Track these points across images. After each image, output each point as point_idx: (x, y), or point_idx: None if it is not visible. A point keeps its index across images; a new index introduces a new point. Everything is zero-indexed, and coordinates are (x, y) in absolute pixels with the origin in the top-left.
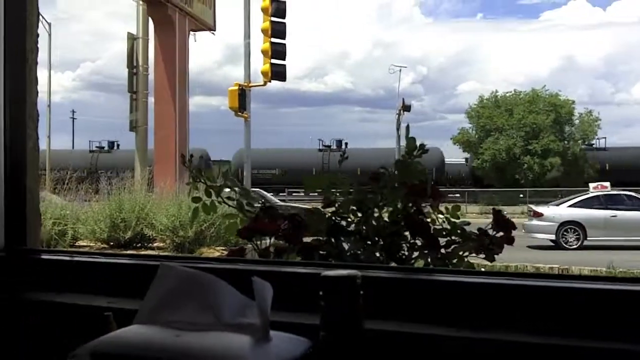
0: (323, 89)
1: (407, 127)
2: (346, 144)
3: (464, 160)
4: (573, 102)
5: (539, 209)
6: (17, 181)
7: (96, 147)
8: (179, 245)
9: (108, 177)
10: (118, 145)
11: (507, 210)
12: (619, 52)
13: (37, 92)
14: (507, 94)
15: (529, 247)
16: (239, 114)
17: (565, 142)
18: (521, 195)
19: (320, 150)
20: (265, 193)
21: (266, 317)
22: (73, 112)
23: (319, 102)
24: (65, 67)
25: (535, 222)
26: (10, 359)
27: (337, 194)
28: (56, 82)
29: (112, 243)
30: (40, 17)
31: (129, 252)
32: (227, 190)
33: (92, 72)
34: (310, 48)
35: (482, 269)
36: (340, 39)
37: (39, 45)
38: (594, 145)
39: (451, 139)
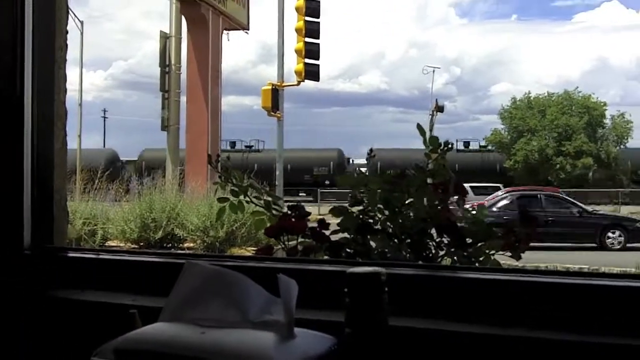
0: (357, 89)
1: (419, 126)
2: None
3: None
4: (605, 104)
5: None
6: (45, 180)
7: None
8: (210, 246)
9: (138, 177)
10: None
11: None
12: None
13: (66, 91)
14: (540, 96)
15: None
16: (272, 113)
17: (599, 143)
18: None
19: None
20: None
21: (291, 315)
22: (104, 111)
23: (353, 102)
24: (97, 66)
25: None
26: (37, 356)
27: (365, 193)
28: (88, 81)
29: (142, 243)
30: (73, 15)
31: (154, 250)
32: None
33: (124, 70)
34: (345, 48)
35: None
36: (376, 39)
37: (69, 43)
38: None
39: (484, 139)
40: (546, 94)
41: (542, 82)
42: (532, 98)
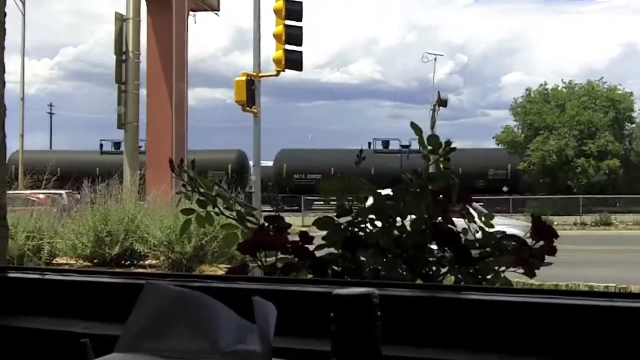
0: (347, 79)
1: (413, 124)
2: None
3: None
4: (631, 94)
5: None
6: None
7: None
8: (176, 263)
9: (90, 183)
10: None
11: (557, 220)
12: None
13: (4, 83)
14: (558, 87)
15: None
16: (247, 108)
17: (626, 142)
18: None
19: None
20: None
21: (268, 344)
22: (51, 106)
23: (342, 95)
24: (42, 53)
25: None
26: None
27: (354, 201)
28: (31, 71)
29: (96, 260)
30: None
31: (110, 269)
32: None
33: (74, 59)
34: (333, 32)
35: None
36: (369, 21)
37: (7, 27)
38: None
39: (494, 138)
40: (566, 86)
41: (561, 72)
42: (549, 90)
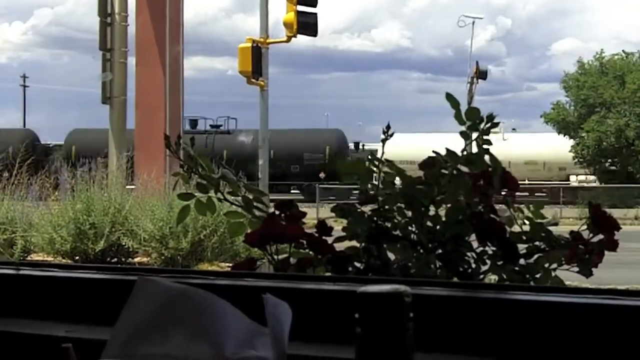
0: (369, 47)
1: (449, 95)
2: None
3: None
4: None
5: None
6: None
7: None
8: (170, 260)
9: (71, 166)
10: None
11: (616, 213)
12: None
13: None
14: (618, 57)
15: None
16: (253, 80)
17: None
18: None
19: None
20: None
21: (282, 350)
22: (24, 77)
23: (364, 65)
24: (12, 16)
25: None
26: None
27: (380, 187)
28: (1, 37)
29: (77, 257)
30: None
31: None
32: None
33: (50, 22)
34: None
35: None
36: None
37: None
38: None
39: (542, 116)
40: (627, 55)
41: (622, 38)
42: (606, 60)
